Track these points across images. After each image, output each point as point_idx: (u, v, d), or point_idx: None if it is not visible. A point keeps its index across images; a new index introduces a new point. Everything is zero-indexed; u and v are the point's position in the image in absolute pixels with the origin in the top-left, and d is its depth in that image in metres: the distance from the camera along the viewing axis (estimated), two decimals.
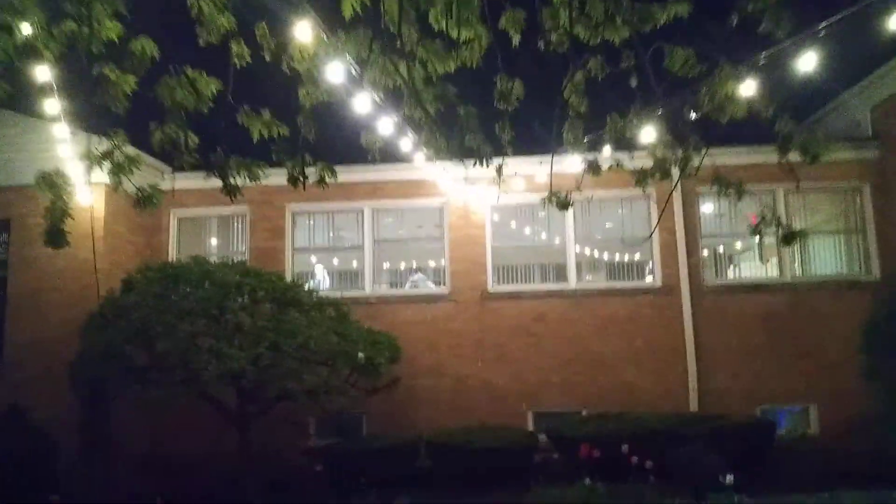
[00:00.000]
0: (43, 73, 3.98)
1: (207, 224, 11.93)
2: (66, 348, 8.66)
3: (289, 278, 10.28)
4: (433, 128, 4.86)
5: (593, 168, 5.71)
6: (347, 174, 11.65)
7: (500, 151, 5.05)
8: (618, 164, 5.66)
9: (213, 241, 11.98)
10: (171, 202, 11.57)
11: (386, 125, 5.44)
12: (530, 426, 10.43)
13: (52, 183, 3.90)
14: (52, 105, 4.24)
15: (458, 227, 11.15)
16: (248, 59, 4.11)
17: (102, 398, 8.77)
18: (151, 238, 11.43)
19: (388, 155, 11.22)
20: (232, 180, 4.33)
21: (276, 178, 11.27)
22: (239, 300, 8.27)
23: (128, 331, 7.74)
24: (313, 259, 11.97)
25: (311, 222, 11.88)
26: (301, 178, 4.44)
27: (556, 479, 8.03)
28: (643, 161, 5.41)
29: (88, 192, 9.88)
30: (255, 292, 8.39)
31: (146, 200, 4.04)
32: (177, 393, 7.68)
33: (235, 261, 10.66)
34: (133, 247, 10.83)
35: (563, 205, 5.60)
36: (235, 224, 11.78)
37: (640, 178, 5.32)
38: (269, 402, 8.53)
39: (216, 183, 11.25)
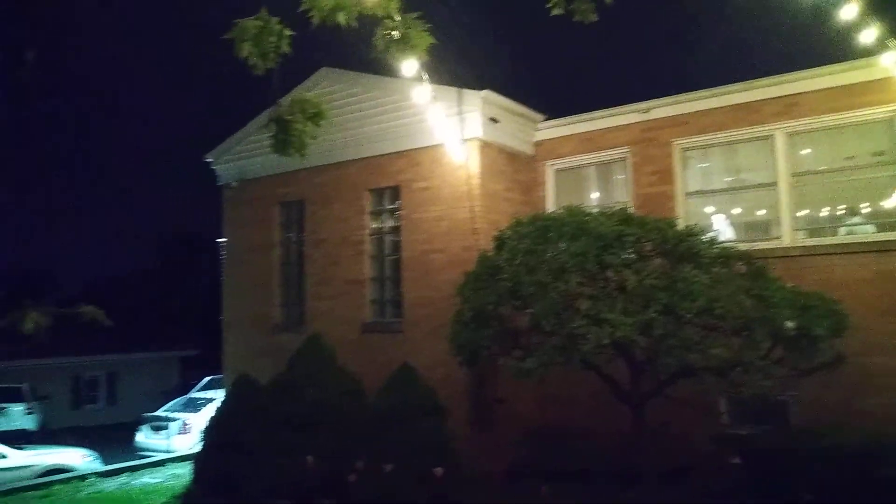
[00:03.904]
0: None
1: (585, 174, 10.76)
2: (451, 310, 8.38)
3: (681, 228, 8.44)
4: None
5: None
6: (749, 92, 9.34)
7: None
8: None
9: (593, 193, 10.77)
10: (547, 154, 10.78)
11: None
12: None
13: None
14: (412, 66, 3.59)
15: None
16: None
17: (484, 361, 8.28)
18: (529, 194, 10.74)
19: (804, 59, 8.65)
20: None
21: (661, 109, 9.66)
22: (621, 254, 6.81)
23: (499, 291, 6.94)
24: (709, 208, 9.84)
25: (705, 160, 9.78)
26: None
27: None
28: None
29: (462, 148, 9.59)
30: (639, 244, 6.84)
31: None
32: (555, 362, 6.60)
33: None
34: (510, 204, 10.24)
35: None
36: (615, 170, 10.36)
37: None
38: (665, 379, 6.94)
39: (593, 125, 10.05)
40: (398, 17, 2.82)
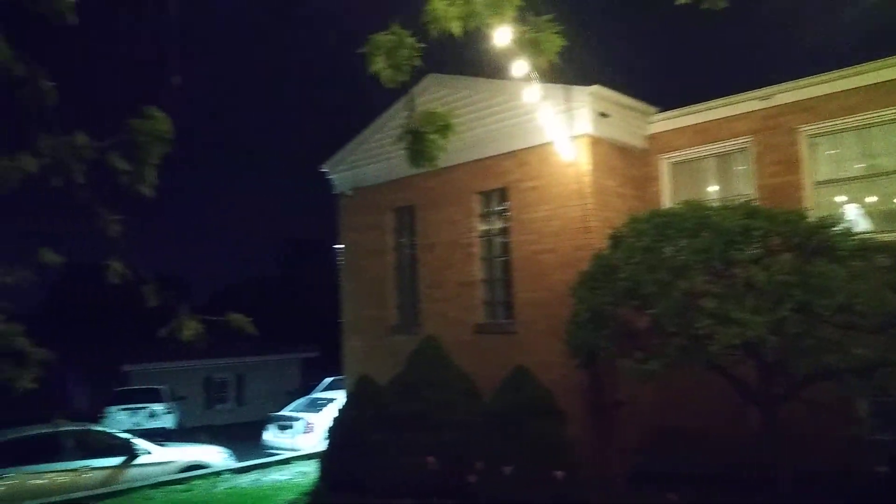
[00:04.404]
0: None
1: (703, 166, 10.31)
2: (564, 310, 8.30)
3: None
4: None
5: None
6: (884, 71, 8.61)
7: None
8: None
9: (712, 186, 10.31)
10: (661, 147, 10.44)
11: None
12: None
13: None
14: (521, 66, 3.63)
15: None
16: None
17: (602, 362, 8.13)
18: (642, 190, 10.44)
19: None
20: None
21: (784, 95, 9.12)
22: (747, 250, 6.48)
23: (616, 291, 6.79)
24: (840, 198, 9.16)
25: (836, 146, 9.13)
26: None
27: None
28: None
29: (571, 146, 9.45)
30: (767, 238, 6.48)
31: None
32: (678, 363, 6.38)
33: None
34: (623, 201, 9.99)
35: None
36: (735, 161, 9.87)
37: None
38: (799, 381, 6.54)
39: (709, 115, 9.61)
40: (508, 24, 2.83)
